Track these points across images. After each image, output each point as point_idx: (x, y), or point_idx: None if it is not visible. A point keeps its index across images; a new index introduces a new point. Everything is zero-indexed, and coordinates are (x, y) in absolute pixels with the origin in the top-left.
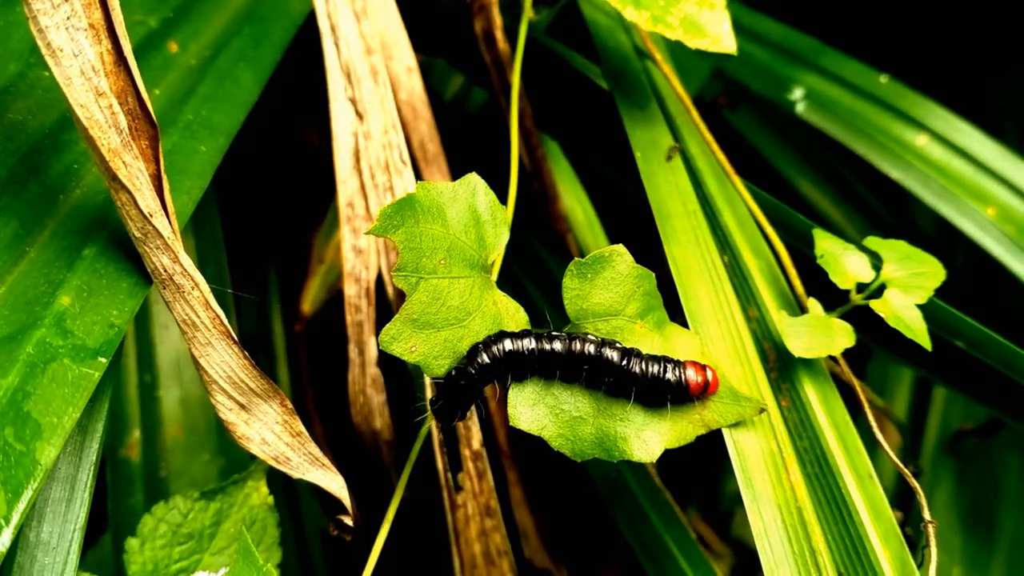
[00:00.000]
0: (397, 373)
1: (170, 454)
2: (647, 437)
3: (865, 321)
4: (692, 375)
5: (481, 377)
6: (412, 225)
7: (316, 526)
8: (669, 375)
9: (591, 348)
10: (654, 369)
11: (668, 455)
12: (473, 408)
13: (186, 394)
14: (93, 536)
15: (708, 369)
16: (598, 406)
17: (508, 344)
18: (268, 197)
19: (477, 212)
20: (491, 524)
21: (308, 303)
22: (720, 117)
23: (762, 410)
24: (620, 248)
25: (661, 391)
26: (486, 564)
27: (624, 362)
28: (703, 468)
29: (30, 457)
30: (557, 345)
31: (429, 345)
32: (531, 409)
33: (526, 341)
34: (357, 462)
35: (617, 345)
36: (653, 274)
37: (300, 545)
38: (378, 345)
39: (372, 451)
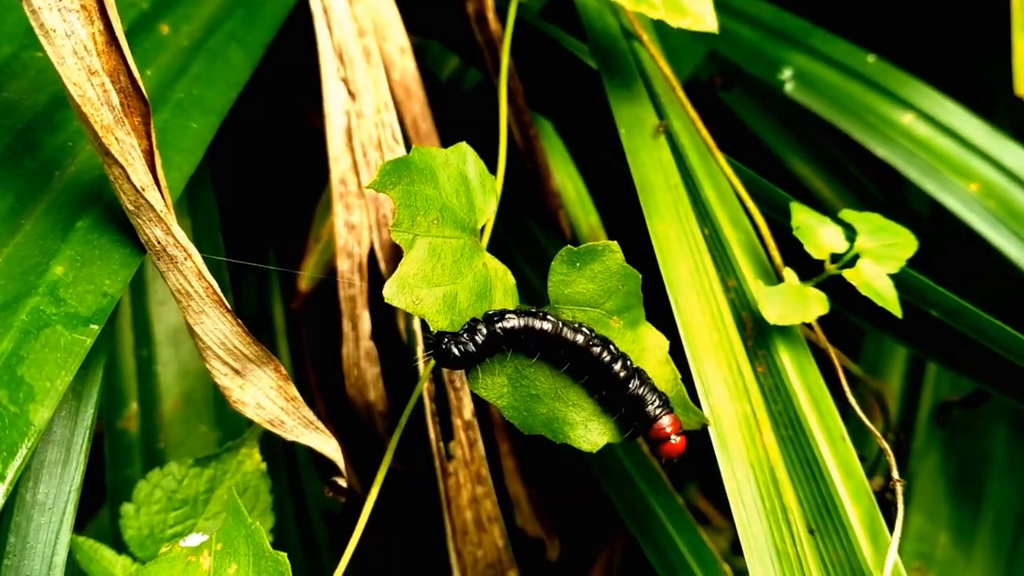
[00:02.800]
0: (391, 346)
1: (168, 426)
2: (592, 428)
3: (851, 295)
4: (665, 424)
5: (488, 343)
6: (408, 184)
7: (318, 505)
8: (648, 409)
9: (605, 357)
10: (642, 393)
11: None
12: (464, 378)
13: (183, 368)
14: (92, 508)
15: (681, 436)
16: (556, 388)
17: (535, 323)
18: (267, 181)
19: (467, 178)
20: (482, 491)
21: (305, 281)
22: (715, 98)
23: (704, 425)
24: (614, 245)
25: (632, 415)
26: (477, 530)
27: (624, 377)
28: (702, 445)
29: (24, 418)
30: (579, 338)
31: (430, 300)
32: (492, 378)
33: (546, 324)
34: (354, 434)
35: (629, 363)
36: (640, 276)
37: (302, 522)
38: (371, 319)
39: (367, 423)
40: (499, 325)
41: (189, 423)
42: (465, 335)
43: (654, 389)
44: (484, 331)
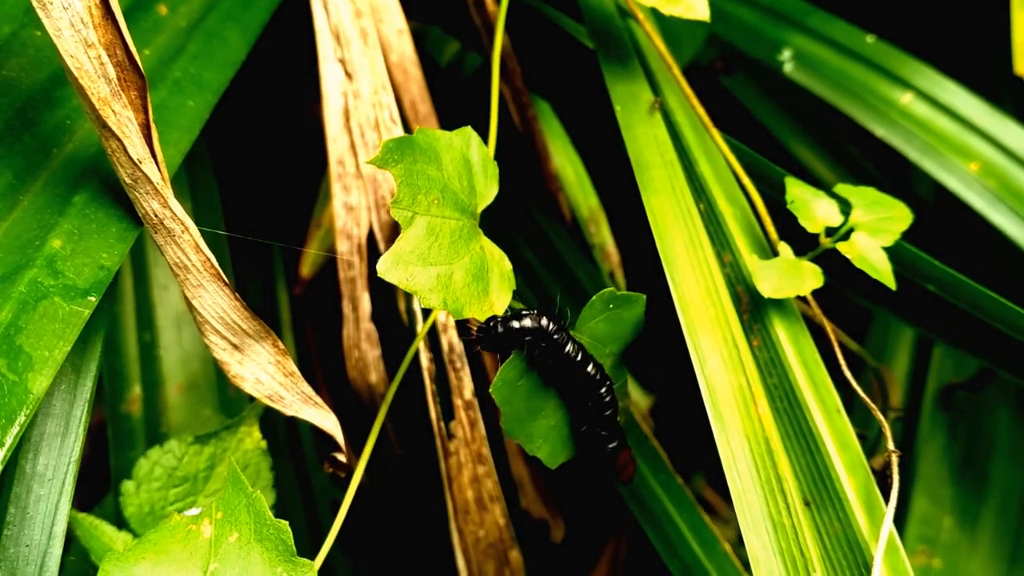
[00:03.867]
0: (392, 329)
1: (171, 410)
2: (559, 451)
3: (851, 273)
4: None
5: (518, 334)
6: (410, 162)
7: (327, 498)
8: (611, 445)
9: (606, 399)
10: (610, 431)
11: (671, 422)
12: (465, 359)
13: (186, 353)
14: (96, 497)
15: (630, 466)
16: (542, 405)
17: (568, 343)
18: (268, 169)
19: (470, 162)
20: (483, 471)
21: (307, 266)
22: (716, 83)
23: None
24: (642, 298)
25: (598, 445)
26: (479, 509)
27: (607, 408)
28: (707, 437)
29: (22, 387)
30: (595, 373)
31: (423, 278)
32: (506, 380)
33: (573, 347)
34: (357, 416)
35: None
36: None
37: (308, 507)
38: (371, 301)
39: (368, 405)
40: (541, 322)
41: (192, 407)
42: (514, 321)
43: (618, 427)
44: (528, 325)
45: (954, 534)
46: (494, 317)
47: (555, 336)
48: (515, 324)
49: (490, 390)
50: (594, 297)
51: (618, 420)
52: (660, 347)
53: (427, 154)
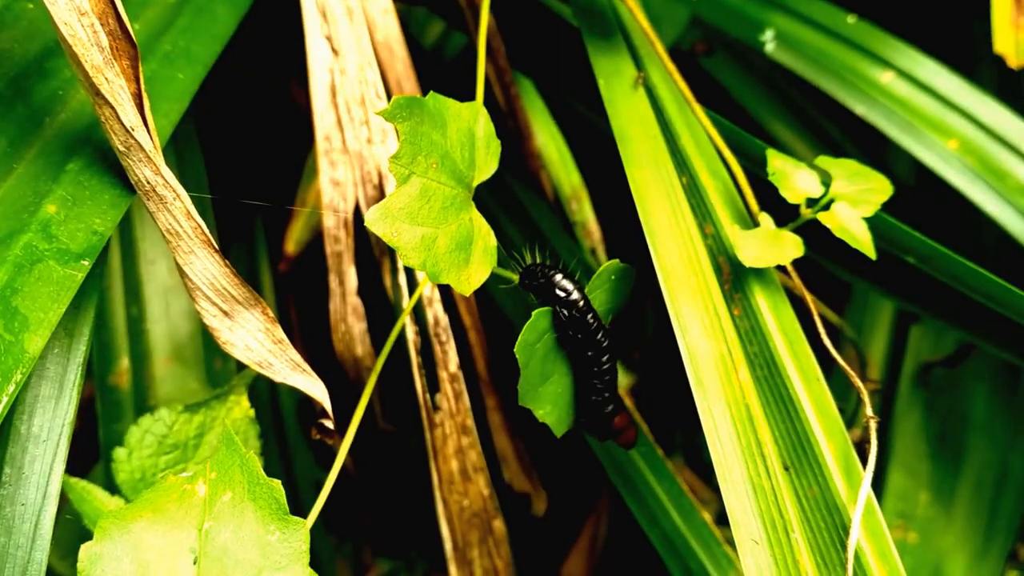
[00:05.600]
0: (377, 304)
1: (158, 383)
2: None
3: (831, 247)
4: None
5: (555, 291)
6: (417, 123)
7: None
8: (607, 409)
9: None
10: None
11: (652, 402)
12: (450, 333)
13: (173, 327)
14: (86, 469)
15: (630, 430)
16: (554, 370)
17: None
18: (253, 149)
19: (474, 135)
20: (467, 442)
21: (292, 243)
22: (697, 67)
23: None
24: (632, 271)
25: (598, 409)
26: (463, 480)
27: (609, 374)
28: (689, 421)
29: (19, 346)
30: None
31: (409, 236)
32: (530, 348)
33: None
34: (343, 391)
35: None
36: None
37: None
38: (357, 275)
39: (354, 379)
40: (575, 281)
41: (179, 379)
42: (556, 273)
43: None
44: (568, 287)
45: (930, 509)
46: (543, 265)
47: (582, 304)
48: (559, 280)
49: (514, 349)
50: (601, 268)
51: (616, 388)
52: (642, 329)
53: (434, 119)
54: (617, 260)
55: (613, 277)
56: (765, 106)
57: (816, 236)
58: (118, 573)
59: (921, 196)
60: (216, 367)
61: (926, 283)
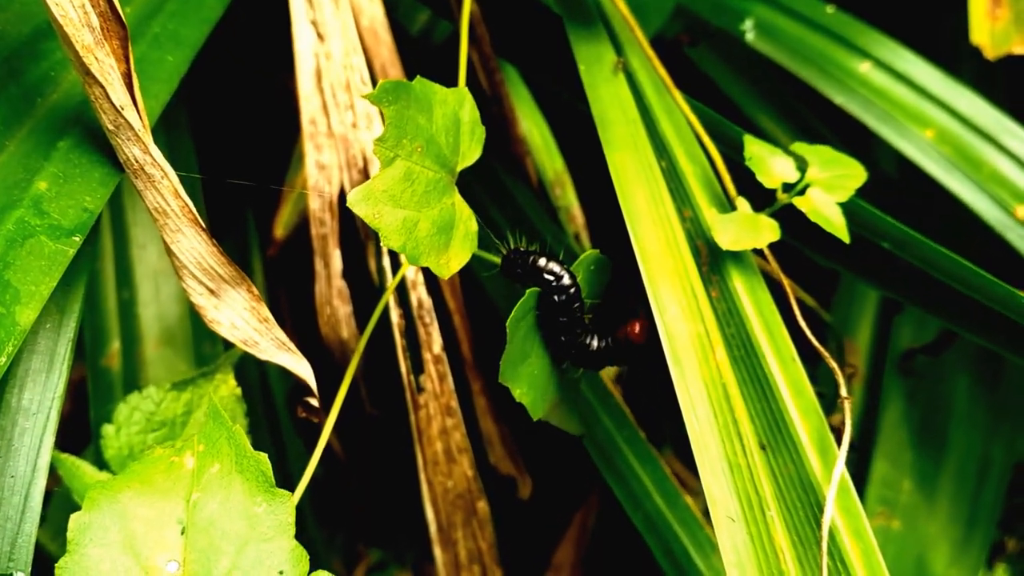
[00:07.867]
0: (362, 287)
1: (148, 365)
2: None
3: (808, 233)
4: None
5: (541, 274)
6: (403, 107)
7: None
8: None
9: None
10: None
11: (637, 392)
12: (433, 315)
13: (163, 311)
14: (77, 449)
15: (637, 323)
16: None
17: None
18: (240, 137)
19: (460, 121)
20: (452, 423)
21: (280, 228)
22: (682, 57)
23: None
24: (610, 263)
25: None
26: (447, 461)
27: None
28: (676, 412)
29: (11, 319)
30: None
31: (390, 218)
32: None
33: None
34: (329, 373)
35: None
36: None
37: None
38: (343, 259)
39: (339, 361)
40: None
41: (169, 362)
42: (540, 258)
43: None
44: (554, 269)
45: (913, 497)
46: (525, 251)
47: (571, 289)
48: (545, 264)
49: (507, 323)
50: (582, 256)
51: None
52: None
53: (420, 103)
54: (597, 251)
55: (592, 267)
56: (749, 96)
57: (796, 222)
58: (106, 542)
59: (904, 187)
60: (205, 350)
61: (903, 269)
